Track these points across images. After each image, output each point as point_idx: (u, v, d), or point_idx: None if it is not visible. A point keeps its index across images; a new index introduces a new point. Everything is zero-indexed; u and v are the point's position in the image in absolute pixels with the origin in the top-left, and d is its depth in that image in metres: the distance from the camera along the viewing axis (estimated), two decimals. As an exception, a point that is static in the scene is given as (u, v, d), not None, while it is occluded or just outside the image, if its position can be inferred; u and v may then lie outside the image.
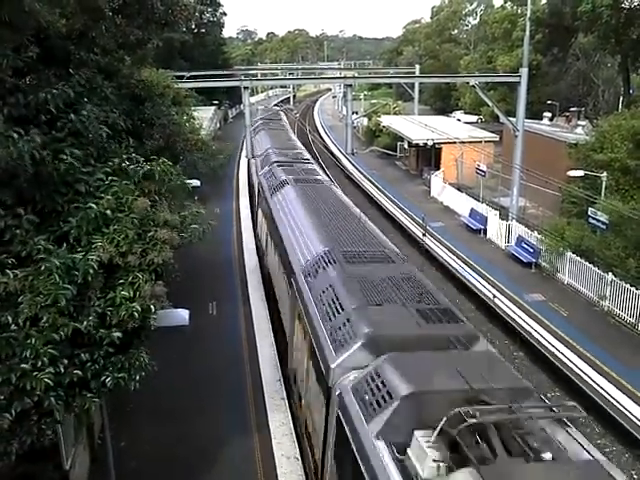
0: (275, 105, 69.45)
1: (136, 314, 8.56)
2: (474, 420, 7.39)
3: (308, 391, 12.76)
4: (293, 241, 17.11)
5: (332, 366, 10.24)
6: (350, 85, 44.12)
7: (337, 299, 12.06)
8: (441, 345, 9.96)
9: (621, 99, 51.43)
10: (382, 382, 8.85)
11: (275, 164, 28.02)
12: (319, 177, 25.91)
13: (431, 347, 9.81)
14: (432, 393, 8.34)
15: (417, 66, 71.62)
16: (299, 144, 40.19)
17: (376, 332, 10.26)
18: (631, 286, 21.55)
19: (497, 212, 32.14)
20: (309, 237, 16.47)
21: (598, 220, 24.89)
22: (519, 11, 68.70)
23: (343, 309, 11.57)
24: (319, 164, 35.66)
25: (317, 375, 11.56)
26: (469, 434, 7.52)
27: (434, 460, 7.43)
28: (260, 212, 27.63)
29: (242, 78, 43.32)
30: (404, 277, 12.93)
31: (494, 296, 24.17)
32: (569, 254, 25.15)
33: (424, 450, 7.59)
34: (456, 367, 8.65)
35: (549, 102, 52.46)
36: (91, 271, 8.23)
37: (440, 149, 44.43)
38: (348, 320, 11.04)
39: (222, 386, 16.84)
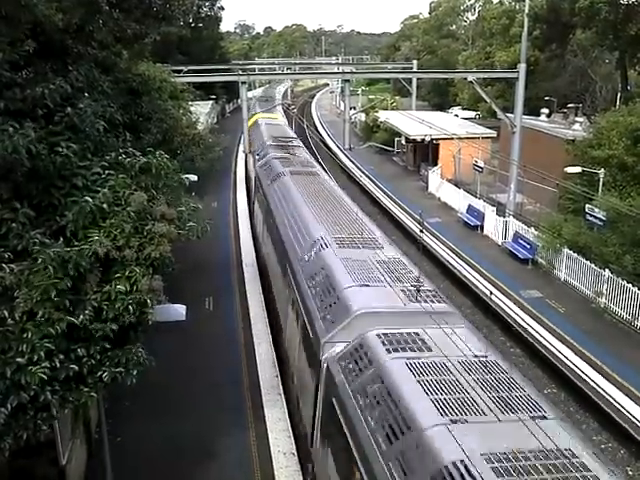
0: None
1: (131, 308, 8.55)
2: None
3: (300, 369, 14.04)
4: (288, 230, 18.33)
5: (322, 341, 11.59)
6: (348, 80, 44.11)
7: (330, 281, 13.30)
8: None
9: (619, 95, 51.40)
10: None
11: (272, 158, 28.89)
12: (314, 169, 27.19)
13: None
14: None
15: (415, 61, 71.69)
16: (296, 138, 40.31)
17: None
18: (628, 283, 21.59)
19: (494, 208, 32.16)
20: (304, 225, 17.57)
21: (595, 217, 24.91)
22: (517, 7, 68.65)
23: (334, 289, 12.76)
24: (316, 159, 35.62)
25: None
26: None
27: None
28: (257, 202, 29.23)
29: (239, 73, 43.22)
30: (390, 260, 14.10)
31: (491, 292, 24.18)
32: (566, 251, 25.17)
33: None
34: None
35: (547, 98, 52.41)
36: (83, 263, 8.20)
37: (438, 145, 44.39)
38: (338, 298, 12.30)
39: (219, 382, 16.83)
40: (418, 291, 11.90)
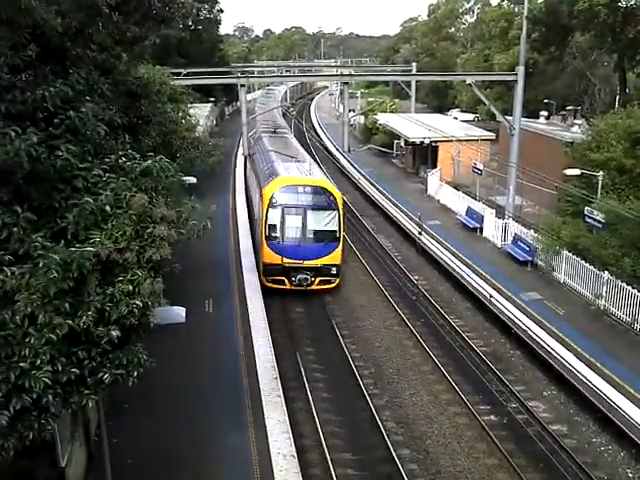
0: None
1: (136, 310, 8.54)
2: None
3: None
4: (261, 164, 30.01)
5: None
6: (347, 83, 44.09)
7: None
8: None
9: (617, 98, 51.43)
10: None
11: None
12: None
13: None
14: None
15: (414, 64, 71.63)
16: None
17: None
18: (627, 285, 21.61)
19: (493, 211, 32.18)
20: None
21: (594, 219, 24.91)
22: (516, 9, 68.84)
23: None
24: (315, 161, 35.59)
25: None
26: None
27: None
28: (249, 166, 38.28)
29: (238, 75, 43.24)
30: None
31: (490, 296, 24.19)
32: (565, 253, 25.19)
33: None
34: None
35: (546, 101, 52.45)
36: (87, 264, 8.18)
37: (437, 147, 44.45)
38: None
39: (218, 384, 16.84)
40: None
